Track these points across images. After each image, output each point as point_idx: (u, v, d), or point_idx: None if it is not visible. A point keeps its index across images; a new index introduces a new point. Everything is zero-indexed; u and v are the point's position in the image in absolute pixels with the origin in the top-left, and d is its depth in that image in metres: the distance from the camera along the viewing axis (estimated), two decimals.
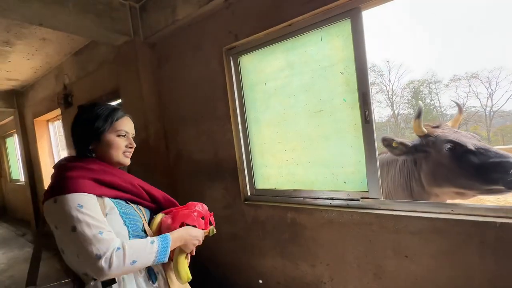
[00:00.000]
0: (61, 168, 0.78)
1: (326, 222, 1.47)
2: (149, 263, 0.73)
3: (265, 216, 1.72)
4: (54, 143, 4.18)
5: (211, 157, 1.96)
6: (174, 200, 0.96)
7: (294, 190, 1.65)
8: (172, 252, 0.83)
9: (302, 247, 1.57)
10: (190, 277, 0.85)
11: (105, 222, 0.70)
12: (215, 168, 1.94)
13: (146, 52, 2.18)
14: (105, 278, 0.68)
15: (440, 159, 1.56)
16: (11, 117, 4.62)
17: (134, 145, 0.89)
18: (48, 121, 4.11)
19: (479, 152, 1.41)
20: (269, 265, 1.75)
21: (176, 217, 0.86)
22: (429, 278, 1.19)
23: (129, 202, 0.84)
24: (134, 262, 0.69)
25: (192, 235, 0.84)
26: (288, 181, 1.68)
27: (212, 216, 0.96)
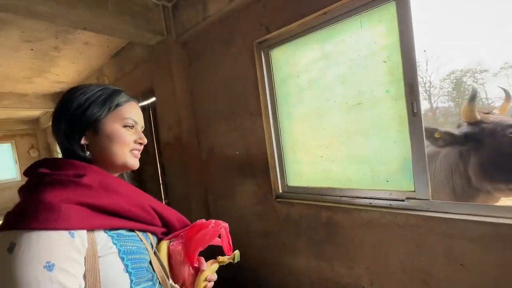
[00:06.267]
0: (33, 180, 0.50)
1: (366, 222, 1.37)
2: None
3: (298, 214, 1.67)
4: None
5: (242, 153, 1.95)
6: (188, 222, 0.73)
7: (329, 188, 1.57)
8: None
9: (338, 247, 1.50)
10: None
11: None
12: (247, 164, 1.93)
13: (178, 50, 2.22)
14: None
15: (500, 148, 1.38)
16: None
17: (145, 141, 0.66)
18: None
19: None
20: (302, 264, 1.69)
21: (189, 244, 0.64)
22: None
23: (134, 230, 0.58)
24: None
25: None
26: (322, 178, 1.61)
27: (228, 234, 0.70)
